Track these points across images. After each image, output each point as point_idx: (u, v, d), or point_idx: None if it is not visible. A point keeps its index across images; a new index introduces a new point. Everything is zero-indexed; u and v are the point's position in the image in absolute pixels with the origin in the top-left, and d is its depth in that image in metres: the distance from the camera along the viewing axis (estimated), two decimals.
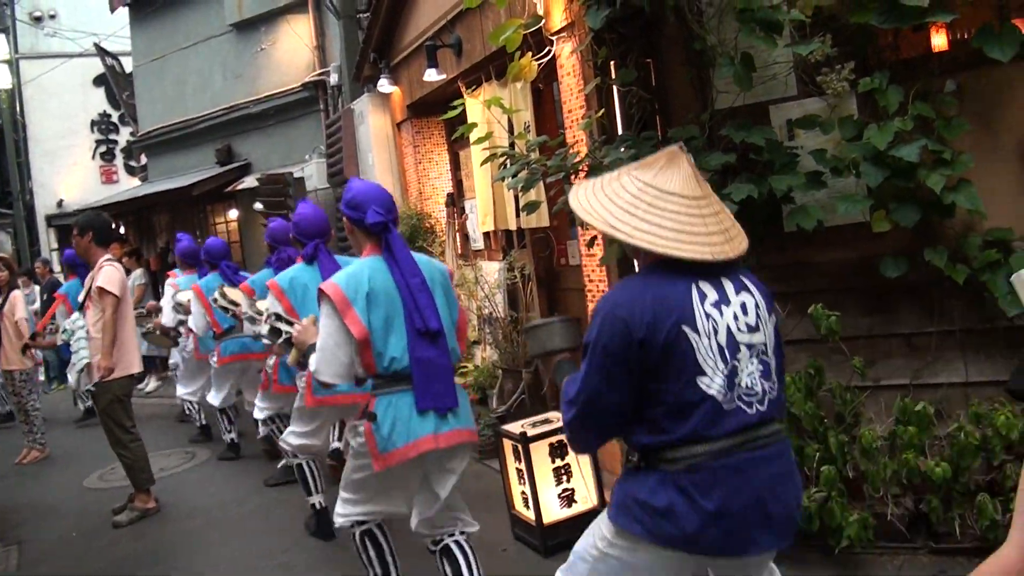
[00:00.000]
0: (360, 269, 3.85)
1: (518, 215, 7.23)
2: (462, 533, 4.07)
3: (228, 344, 8.08)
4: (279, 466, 7.39)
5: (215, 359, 8.30)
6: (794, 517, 2.73)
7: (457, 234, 9.32)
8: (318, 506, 5.84)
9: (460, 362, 4.20)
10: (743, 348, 2.61)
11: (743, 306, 2.65)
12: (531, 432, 4.96)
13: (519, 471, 5.04)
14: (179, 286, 8.95)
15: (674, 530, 2.58)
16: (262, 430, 7.96)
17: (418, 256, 4.04)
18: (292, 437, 5.71)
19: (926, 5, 4.07)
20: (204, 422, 9.49)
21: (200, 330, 8.02)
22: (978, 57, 4.23)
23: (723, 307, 2.61)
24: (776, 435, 2.69)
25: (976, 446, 4.13)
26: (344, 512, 4.18)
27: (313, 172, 11.76)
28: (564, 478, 5.00)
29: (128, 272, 11.86)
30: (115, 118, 24.01)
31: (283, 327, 4.30)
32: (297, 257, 5.82)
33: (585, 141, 5.31)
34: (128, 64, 18.56)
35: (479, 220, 8.13)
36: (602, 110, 5.05)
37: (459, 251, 9.20)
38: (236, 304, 5.35)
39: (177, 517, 6.73)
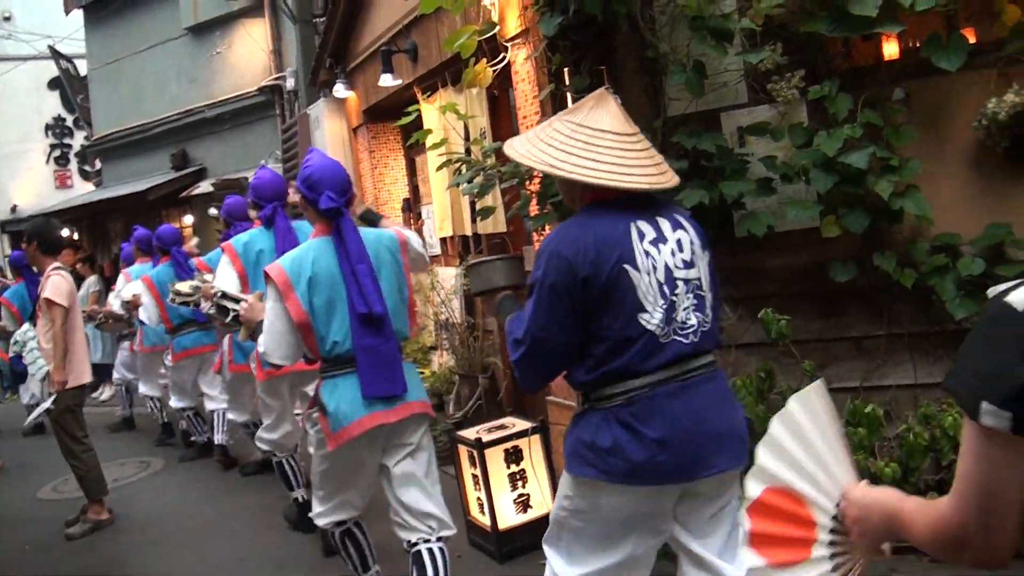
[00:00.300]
0: (306, 252, 3.90)
1: (474, 220, 7.25)
2: (438, 539, 4.06)
3: (181, 339, 8.07)
4: (253, 459, 7.56)
5: (169, 357, 8.25)
6: (742, 437, 2.82)
7: None
8: (300, 499, 5.83)
9: (409, 339, 4.25)
10: (680, 284, 2.73)
11: (679, 243, 2.77)
12: (486, 438, 4.97)
13: (475, 477, 5.05)
14: (131, 275, 8.90)
15: (623, 464, 2.67)
16: (219, 437, 7.94)
17: (367, 232, 4.05)
18: (265, 433, 5.80)
19: (875, 15, 4.13)
20: (166, 419, 9.41)
21: (152, 322, 8.00)
22: (926, 66, 4.30)
23: (660, 245, 2.73)
24: (710, 365, 2.82)
25: (925, 446, 4.19)
26: (320, 512, 4.21)
27: None
28: (519, 483, 5.01)
29: (82, 279, 11.78)
30: (70, 122, 23.78)
31: (229, 305, 4.33)
32: (255, 222, 5.85)
33: None
34: (83, 67, 18.42)
35: (436, 226, 8.13)
36: None
37: None
38: (190, 294, 5.37)
39: (132, 528, 6.65)
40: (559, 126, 2.80)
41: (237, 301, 4.30)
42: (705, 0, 4.30)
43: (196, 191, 14.21)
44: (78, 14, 17.69)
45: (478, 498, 5.08)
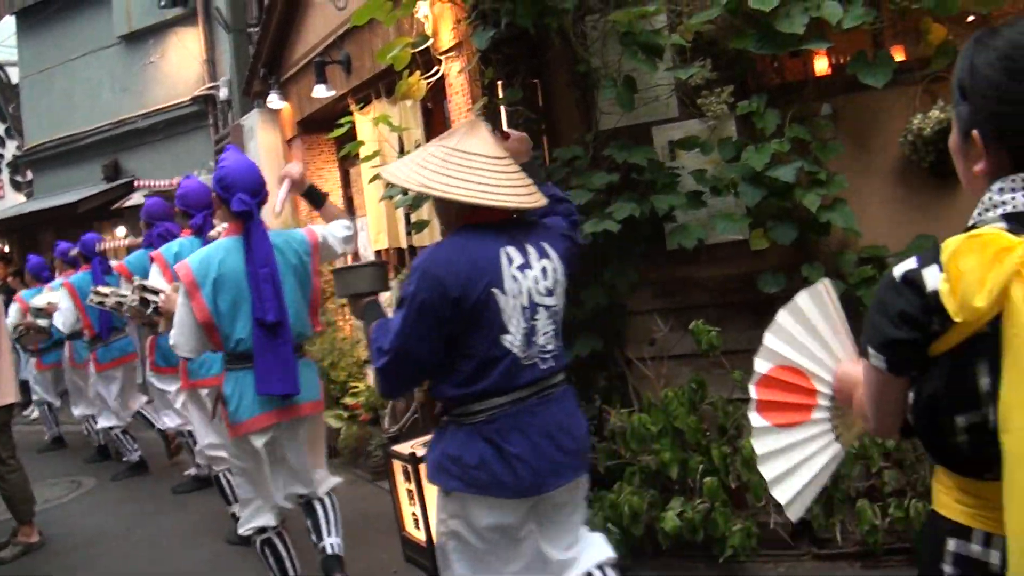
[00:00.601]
0: (215, 252, 4.11)
1: (409, 233, 7.22)
2: (326, 492, 4.53)
3: (105, 350, 7.95)
4: (187, 475, 7.45)
5: (92, 367, 8.10)
6: (585, 449, 3.14)
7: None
8: (238, 514, 5.78)
9: (309, 339, 4.62)
10: (541, 310, 2.92)
11: (543, 271, 2.95)
12: (421, 452, 4.93)
13: (409, 492, 5.01)
14: (25, 299, 8.78)
15: (487, 478, 2.87)
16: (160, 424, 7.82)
17: (277, 235, 4.26)
18: (206, 449, 5.80)
19: (802, 33, 4.20)
20: (102, 442, 9.23)
21: (66, 327, 7.89)
22: (853, 82, 4.39)
23: (527, 271, 2.90)
24: (562, 382, 3.07)
25: (854, 454, 4.25)
26: (244, 517, 4.43)
27: None
28: None
29: (13, 292, 11.50)
30: (1, 131, 23.23)
31: (150, 297, 4.58)
32: (183, 231, 5.85)
33: None
34: (15, 75, 18.06)
35: (371, 238, 8.09)
36: None
37: None
38: (106, 295, 5.40)
39: (63, 550, 6.49)
40: (434, 150, 2.92)
41: (156, 293, 4.55)
42: (636, 16, 4.33)
43: (128, 203, 13.97)
44: (10, 20, 17.35)
45: (413, 513, 5.04)
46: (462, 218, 2.94)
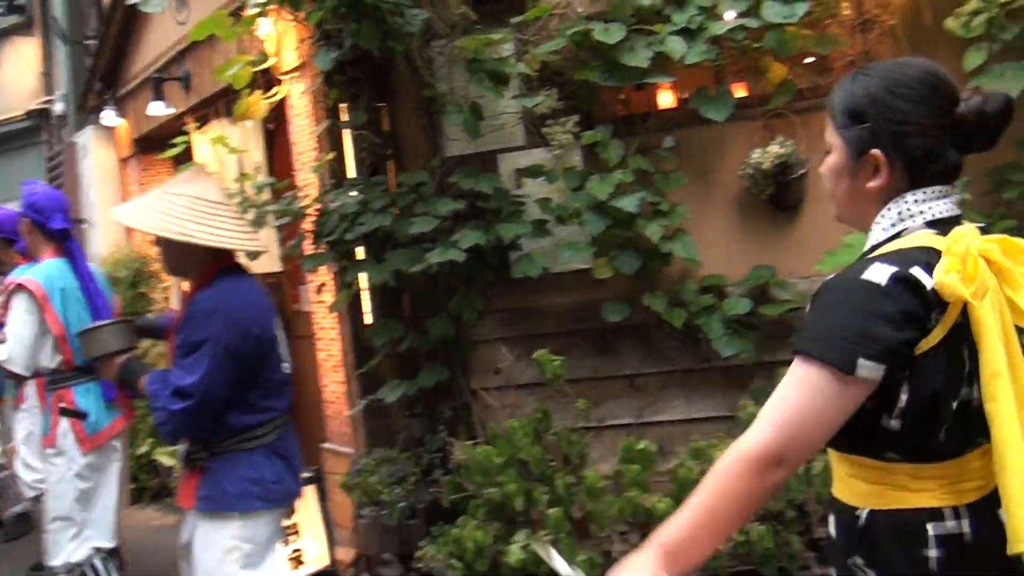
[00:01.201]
0: (52, 268, 4.28)
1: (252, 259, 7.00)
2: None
3: None
4: (11, 513, 6.93)
5: None
6: None
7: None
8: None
9: None
10: (282, 337, 3.29)
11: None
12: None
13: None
14: None
15: (284, 490, 3.18)
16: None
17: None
18: None
19: (645, 67, 4.26)
20: None
21: None
22: (696, 116, 4.48)
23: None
24: None
25: (696, 480, 4.28)
26: (56, 552, 4.30)
27: None
28: (290, 538, 4.77)
29: None
30: None
31: None
32: (15, 259, 5.58)
33: (317, 184, 5.22)
34: None
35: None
36: (333, 153, 4.97)
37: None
38: None
39: None
40: (174, 199, 3.09)
41: None
42: (482, 43, 4.33)
43: None
44: None
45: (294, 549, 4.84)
46: (205, 262, 3.12)
